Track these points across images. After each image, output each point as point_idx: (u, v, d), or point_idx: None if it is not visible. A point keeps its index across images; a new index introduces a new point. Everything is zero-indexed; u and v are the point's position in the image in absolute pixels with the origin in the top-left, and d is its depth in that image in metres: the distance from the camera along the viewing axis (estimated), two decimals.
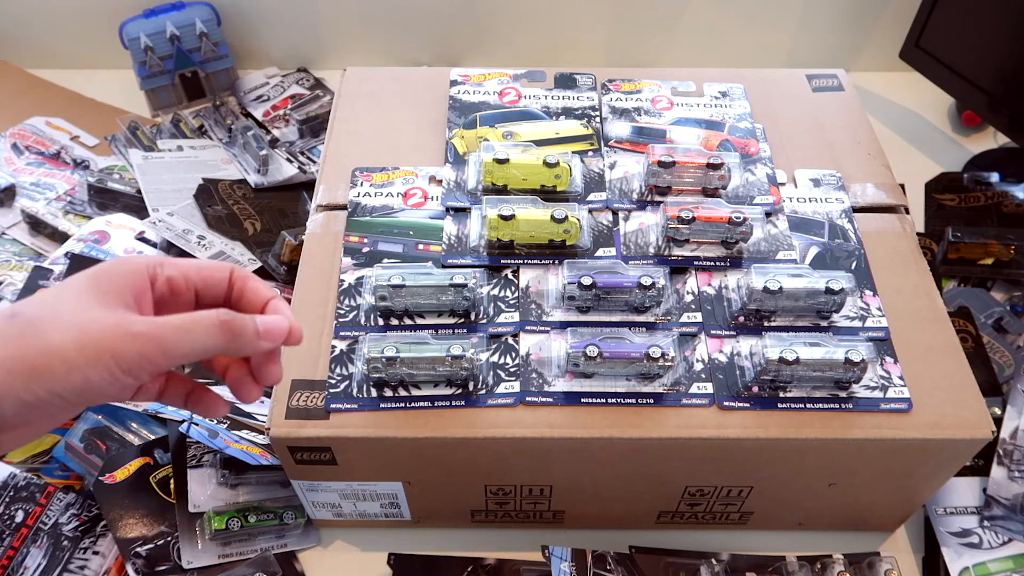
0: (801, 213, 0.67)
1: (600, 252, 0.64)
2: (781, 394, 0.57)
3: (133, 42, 0.97)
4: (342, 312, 0.61)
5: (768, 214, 0.67)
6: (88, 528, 0.67)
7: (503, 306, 0.61)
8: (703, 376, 0.58)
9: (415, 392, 0.57)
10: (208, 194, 0.90)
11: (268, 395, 0.65)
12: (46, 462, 0.71)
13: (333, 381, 0.57)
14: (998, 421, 0.70)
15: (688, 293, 0.62)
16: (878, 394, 0.57)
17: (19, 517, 0.66)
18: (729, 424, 0.56)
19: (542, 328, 0.60)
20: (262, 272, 0.83)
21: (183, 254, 0.83)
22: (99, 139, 0.99)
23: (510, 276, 0.63)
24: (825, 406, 0.57)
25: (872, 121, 0.76)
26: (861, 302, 0.62)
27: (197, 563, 0.65)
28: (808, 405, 0.57)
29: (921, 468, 0.60)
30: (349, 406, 0.56)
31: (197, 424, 0.66)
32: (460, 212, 0.66)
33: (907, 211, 0.69)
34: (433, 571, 0.67)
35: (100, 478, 0.68)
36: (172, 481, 0.68)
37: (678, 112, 0.74)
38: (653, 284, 0.59)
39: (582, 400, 0.57)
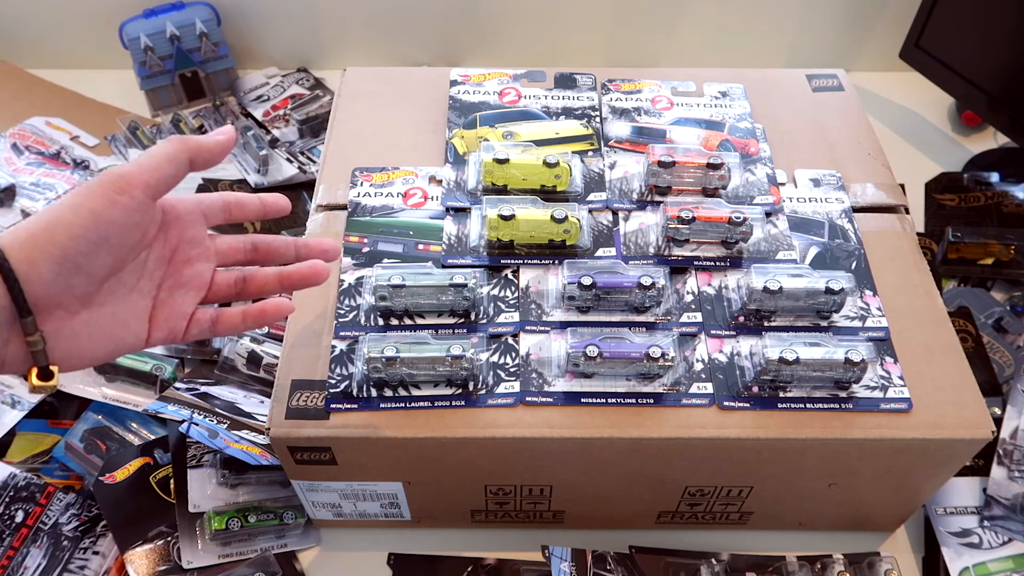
0: (801, 213, 0.67)
1: (600, 252, 0.64)
2: (781, 394, 0.57)
3: (133, 42, 0.97)
4: (342, 312, 0.61)
5: (768, 214, 0.67)
6: (88, 528, 0.67)
7: (503, 306, 0.61)
8: (703, 376, 0.58)
9: (415, 392, 0.57)
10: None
11: (268, 395, 0.65)
12: (46, 462, 0.72)
13: (333, 381, 0.57)
14: (998, 421, 0.70)
15: (688, 293, 0.62)
16: (878, 394, 0.57)
17: (19, 517, 0.66)
18: (729, 424, 0.56)
19: (542, 328, 0.60)
20: None
21: None
22: (99, 139, 0.99)
23: (510, 276, 0.63)
24: (825, 406, 0.57)
25: (872, 121, 0.76)
26: (861, 302, 0.62)
27: (197, 563, 0.65)
28: (808, 405, 0.57)
29: (921, 468, 0.60)
30: (349, 406, 0.56)
31: (197, 424, 0.66)
32: (460, 212, 0.66)
33: (907, 211, 0.69)
34: (433, 571, 0.67)
35: (100, 478, 0.68)
36: (172, 481, 0.68)
37: (678, 112, 0.74)
38: (653, 284, 0.59)
39: (582, 400, 0.57)
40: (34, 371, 0.41)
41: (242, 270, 0.51)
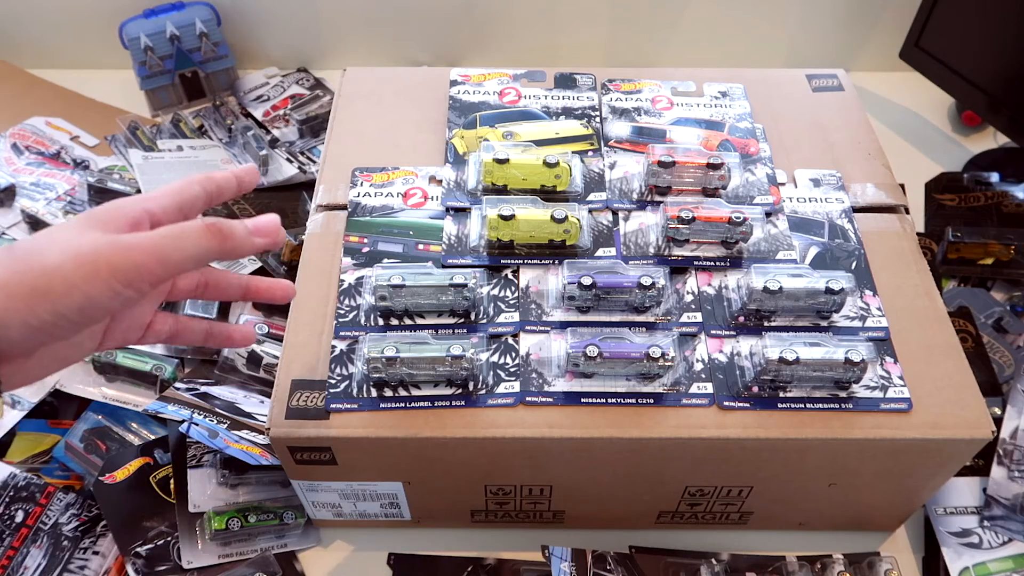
0: (801, 213, 0.67)
1: (600, 252, 0.64)
2: (781, 394, 0.57)
3: (133, 42, 0.97)
4: (342, 312, 0.61)
5: (768, 214, 0.67)
6: (88, 528, 0.67)
7: (503, 306, 0.61)
8: (703, 376, 0.58)
9: (415, 392, 0.57)
10: None
11: (268, 395, 0.65)
12: (46, 462, 0.72)
13: (333, 381, 0.57)
14: (998, 421, 0.70)
15: (688, 293, 0.62)
16: (878, 394, 0.57)
17: (19, 517, 0.66)
18: (729, 424, 0.56)
19: (542, 328, 0.60)
20: (262, 272, 0.83)
21: None
22: (99, 139, 0.99)
23: (510, 276, 0.63)
24: (825, 406, 0.57)
25: (872, 121, 0.76)
26: (861, 302, 0.62)
27: (197, 563, 0.65)
28: (808, 405, 0.57)
29: (921, 468, 0.60)
30: (349, 406, 0.56)
31: (197, 424, 0.66)
32: (460, 212, 0.66)
33: (907, 211, 0.69)
34: (433, 571, 0.67)
35: (100, 478, 0.68)
36: (172, 481, 0.68)
37: (678, 112, 0.74)
38: (653, 284, 0.59)
39: (582, 400, 0.57)
40: None
41: (204, 272, 0.49)
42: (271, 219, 0.44)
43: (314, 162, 0.96)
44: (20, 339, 0.36)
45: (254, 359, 0.75)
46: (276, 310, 0.79)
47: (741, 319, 0.60)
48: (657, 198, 0.67)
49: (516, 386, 0.57)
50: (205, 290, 0.49)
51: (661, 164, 0.65)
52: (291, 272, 0.80)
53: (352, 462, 0.59)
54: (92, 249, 0.37)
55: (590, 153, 0.71)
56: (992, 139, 1.03)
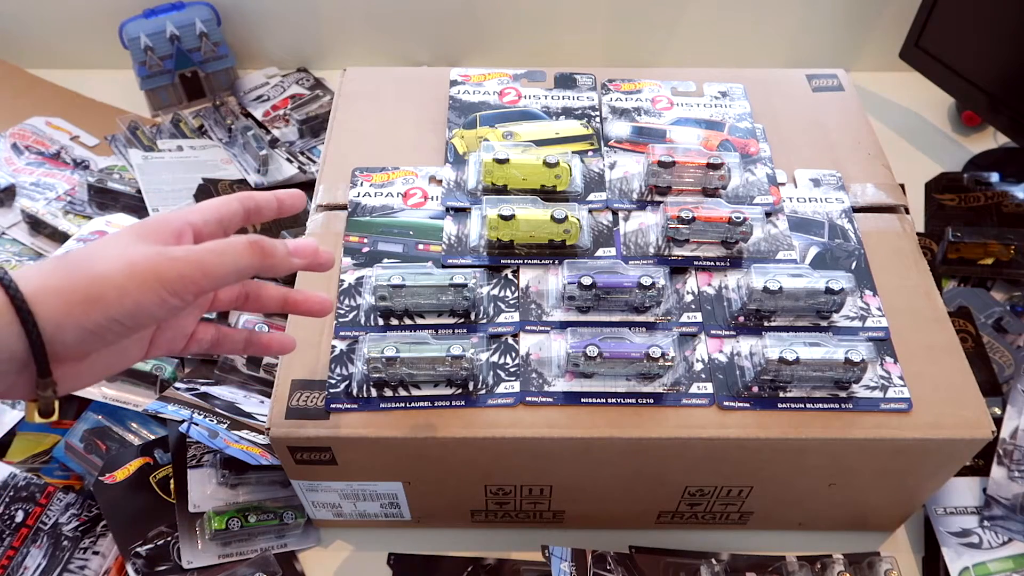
0: (801, 213, 0.67)
1: (600, 252, 0.64)
2: (781, 394, 0.57)
3: (133, 42, 0.97)
4: (342, 312, 0.61)
5: (768, 214, 0.67)
6: (88, 528, 0.67)
7: (503, 306, 0.61)
8: (703, 376, 0.58)
9: (415, 392, 0.57)
10: (208, 194, 0.90)
11: (268, 395, 0.65)
12: (46, 462, 0.71)
13: (333, 381, 0.57)
14: (998, 421, 0.70)
15: (688, 293, 0.62)
16: (878, 394, 0.57)
17: (19, 517, 0.66)
18: (729, 424, 0.56)
19: (542, 328, 0.60)
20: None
21: None
22: (99, 139, 0.99)
23: (510, 276, 0.63)
24: (825, 406, 0.57)
25: (872, 121, 0.76)
26: (861, 302, 0.62)
27: (197, 563, 0.65)
28: (808, 405, 0.57)
29: (921, 468, 0.60)
30: (349, 406, 0.56)
31: (197, 424, 0.66)
32: (460, 212, 0.66)
33: (907, 211, 0.69)
34: (433, 571, 0.67)
35: (100, 478, 0.68)
36: (172, 481, 0.68)
37: (678, 112, 0.74)
38: (653, 284, 0.59)
39: (582, 400, 0.57)
40: (34, 408, 0.41)
41: (245, 284, 0.51)
42: (309, 243, 0.46)
43: (314, 162, 0.96)
44: (74, 342, 0.39)
45: (254, 359, 0.75)
46: None
47: (741, 319, 0.60)
48: (657, 198, 0.67)
49: (516, 386, 0.57)
50: (245, 302, 0.51)
51: (661, 164, 0.65)
52: (289, 282, 0.80)
53: (352, 462, 0.59)
54: (142, 259, 0.39)
55: (590, 153, 0.71)
56: (992, 139, 1.03)
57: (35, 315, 0.37)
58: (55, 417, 0.41)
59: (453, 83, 0.77)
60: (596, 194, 0.67)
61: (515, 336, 0.60)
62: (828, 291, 0.59)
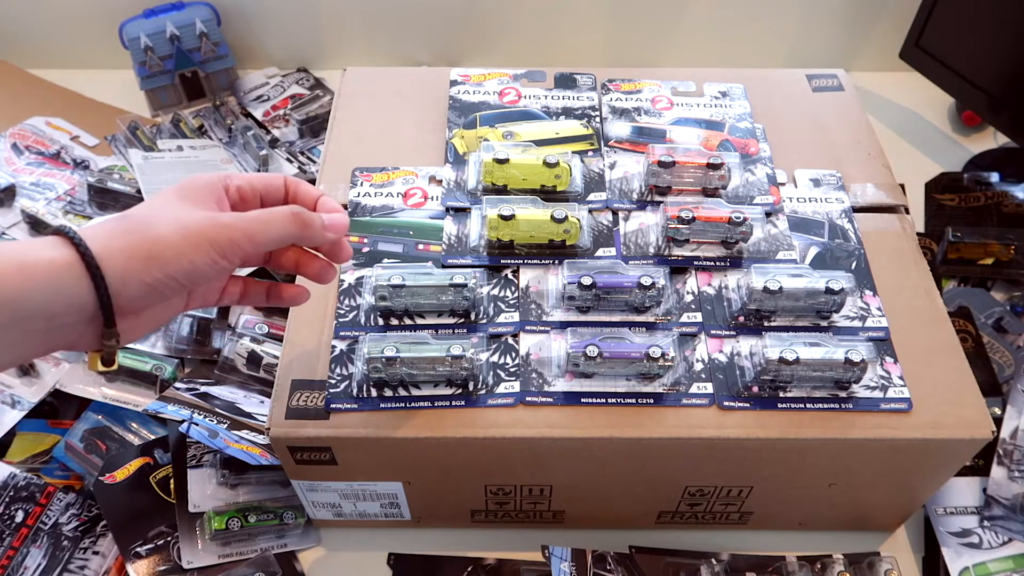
0: (801, 213, 0.67)
1: (600, 252, 0.64)
2: (781, 394, 0.57)
3: (133, 42, 0.97)
4: (342, 312, 0.61)
5: (768, 214, 0.67)
6: (88, 528, 0.67)
7: (503, 306, 0.61)
8: (703, 376, 0.58)
9: (415, 392, 0.57)
10: None
11: (268, 395, 0.65)
12: (46, 462, 0.72)
13: (333, 381, 0.57)
14: (998, 421, 0.70)
15: (688, 293, 0.62)
16: (878, 394, 0.57)
17: (19, 517, 0.66)
18: (729, 424, 0.56)
19: (542, 328, 0.60)
20: (262, 272, 0.83)
21: None
22: (99, 139, 0.98)
23: (510, 276, 0.63)
24: (825, 406, 0.57)
25: (872, 121, 0.76)
26: (861, 302, 0.62)
27: (197, 563, 0.65)
28: (808, 405, 0.57)
29: (921, 468, 0.60)
30: (349, 406, 0.56)
31: (197, 424, 0.66)
32: (460, 212, 0.66)
33: (907, 211, 0.69)
34: (433, 571, 0.67)
35: (100, 478, 0.68)
36: (172, 481, 0.68)
37: (678, 112, 0.74)
38: (653, 284, 0.59)
39: (582, 400, 0.57)
40: (98, 357, 0.45)
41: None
42: (342, 219, 0.50)
43: (314, 162, 0.96)
44: (136, 296, 0.42)
45: (254, 359, 0.75)
46: (276, 310, 0.79)
47: (741, 319, 0.60)
48: (657, 198, 0.67)
49: (516, 386, 0.57)
50: (267, 259, 0.53)
51: (661, 164, 0.65)
52: (290, 276, 0.80)
53: (352, 462, 0.59)
54: (196, 224, 0.43)
55: (590, 153, 0.71)
56: (992, 139, 1.03)
57: (103, 271, 0.41)
58: (115, 367, 0.45)
59: (453, 83, 0.77)
60: (596, 194, 0.67)
61: (515, 336, 0.60)
62: (828, 291, 0.59)
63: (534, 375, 0.58)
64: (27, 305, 0.39)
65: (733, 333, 0.60)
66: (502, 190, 0.66)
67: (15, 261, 0.39)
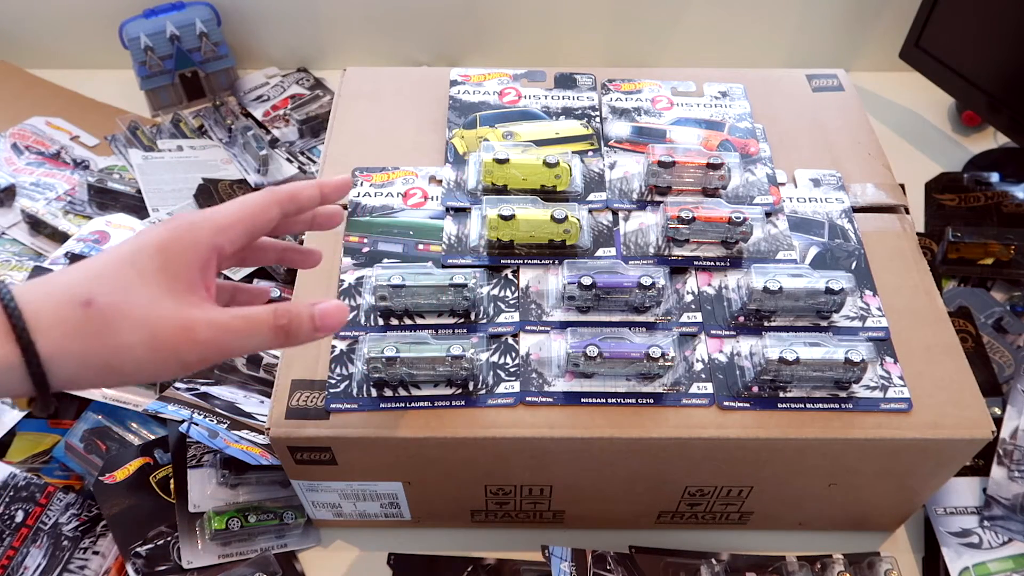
0: (801, 213, 0.67)
1: (600, 252, 0.64)
2: (781, 394, 0.57)
3: (133, 42, 0.97)
4: None
5: (768, 214, 0.67)
6: (88, 528, 0.67)
7: (503, 306, 0.61)
8: (703, 376, 0.58)
9: (415, 392, 0.57)
10: (208, 194, 0.90)
11: (268, 395, 0.65)
12: (46, 462, 0.71)
13: (333, 381, 0.57)
14: (998, 421, 0.70)
15: (688, 293, 0.62)
16: (878, 394, 0.57)
17: (19, 517, 0.66)
18: (729, 424, 0.56)
19: (542, 328, 0.60)
20: (262, 272, 0.83)
21: None
22: (99, 139, 0.99)
23: (510, 276, 0.63)
24: (825, 406, 0.57)
25: (872, 121, 0.76)
26: (861, 302, 0.62)
27: (197, 563, 0.65)
28: (808, 405, 0.57)
29: (921, 468, 0.60)
30: (349, 406, 0.56)
31: (197, 424, 0.66)
32: (460, 212, 0.66)
33: (907, 211, 0.69)
34: (433, 571, 0.67)
35: (100, 478, 0.68)
36: (172, 481, 0.68)
37: (678, 112, 0.74)
38: (653, 284, 0.59)
39: (582, 400, 0.57)
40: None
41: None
42: (340, 312, 0.45)
43: (314, 162, 0.96)
44: (82, 388, 0.42)
45: (254, 359, 0.75)
46: None
47: (741, 319, 0.60)
48: (657, 198, 0.67)
49: (516, 386, 0.57)
50: (244, 260, 0.51)
51: (661, 164, 0.65)
52: (291, 274, 0.81)
53: (352, 462, 0.59)
54: (167, 335, 0.39)
55: (590, 153, 0.71)
56: (992, 139, 1.03)
57: (50, 375, 0.37)
58: (51, 410, 0.41)
59: (453, 83, 0.77)
60: (596, 194, 0.67)
61: (515, 336, 0.60)
62: (828, 291, 0.59)
63: (534, 375, 0.58)
64: None
65: (733, 333, 0.60)
66: (502, 190, 0.66)
67: None
